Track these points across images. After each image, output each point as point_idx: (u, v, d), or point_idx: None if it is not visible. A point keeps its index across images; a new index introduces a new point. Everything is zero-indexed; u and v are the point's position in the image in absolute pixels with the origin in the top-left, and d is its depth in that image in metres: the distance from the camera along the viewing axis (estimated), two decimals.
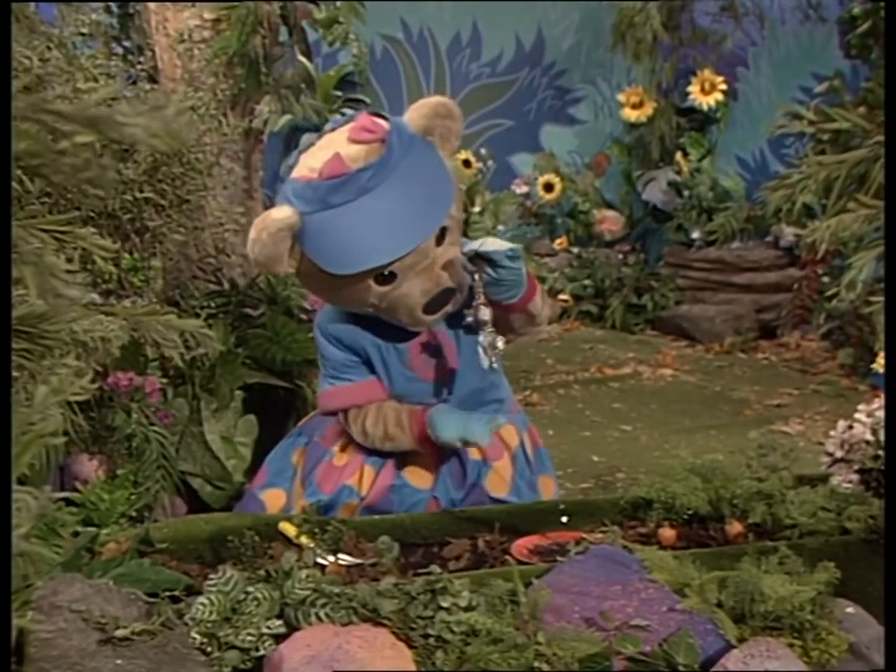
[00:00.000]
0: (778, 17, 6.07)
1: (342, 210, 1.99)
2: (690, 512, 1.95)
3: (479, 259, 2.01)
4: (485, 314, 2.04)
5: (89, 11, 3.30)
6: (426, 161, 2.06)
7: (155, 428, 2.54)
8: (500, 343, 2.05)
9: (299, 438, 2.36)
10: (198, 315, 2.99)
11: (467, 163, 6.31)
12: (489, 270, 2.01)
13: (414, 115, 2.07)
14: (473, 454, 2.23)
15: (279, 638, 1.45)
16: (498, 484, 2.25)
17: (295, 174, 2.07)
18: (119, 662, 1.38)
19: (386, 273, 2.03)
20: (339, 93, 6.64)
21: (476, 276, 2.04)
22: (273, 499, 2.30)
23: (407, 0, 6.50)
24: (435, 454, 2.21)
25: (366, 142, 2.01)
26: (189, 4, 3.27)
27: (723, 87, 6.09)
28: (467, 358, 2.16)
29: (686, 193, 6.16)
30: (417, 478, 2.22)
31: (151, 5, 3.35)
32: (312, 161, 2.04)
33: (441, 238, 2.07)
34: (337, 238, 2.01)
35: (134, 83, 3.13)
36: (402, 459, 2.23)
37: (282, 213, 2.02)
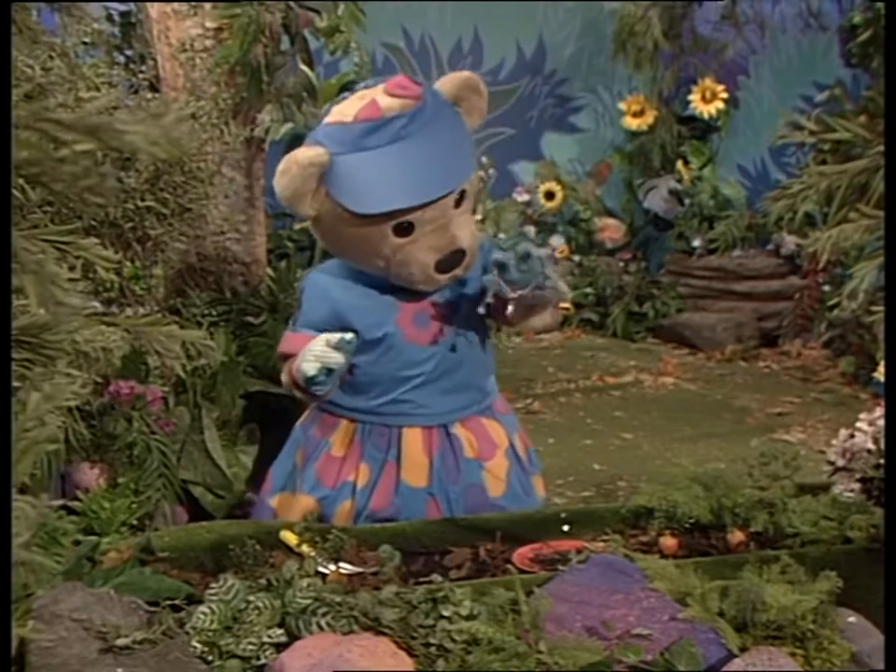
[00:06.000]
0: (779, 25, 6.08)
1: (374, 153, 2.07)
2: (691, 521, 1.95)
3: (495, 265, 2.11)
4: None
5: (91, 20, 3.31)
6: (454, 125, 2.17)
7: (156, 437, 2.53)
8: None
9: (298, 438, 2.37)
10: (199, 324, 2.99)
11: None
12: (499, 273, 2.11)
13: (446, 83, 2.19)
14: (466, 452, 2.25)
15: (280, 647, 1.45)
16: (494, 484, 2.28)
17: (327, 119, 2.15)
18: (119, 670, 1.38)
19: (405, 224, 2.09)
20: None
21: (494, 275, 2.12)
22: (282, 504, 2.30)
23: (409, 2, 6.51)
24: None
25: (402, 97, 2.10)
26: (191, 13, 3.27)
27: (724, 95, 6.09)
28: (460, 333, 2.21)
29: (687, 201, 6.16)
30: (412, 476, 2.23)
31: (153, 14, 3.35)
32: (346, 109, 2.13)
33: (459, 201, 2.16)
34: (366, 179, 2.08)
35: (136, 92, 3.13)
36: (397, 458, 2.24)
37: (312, 150, 2.09)
